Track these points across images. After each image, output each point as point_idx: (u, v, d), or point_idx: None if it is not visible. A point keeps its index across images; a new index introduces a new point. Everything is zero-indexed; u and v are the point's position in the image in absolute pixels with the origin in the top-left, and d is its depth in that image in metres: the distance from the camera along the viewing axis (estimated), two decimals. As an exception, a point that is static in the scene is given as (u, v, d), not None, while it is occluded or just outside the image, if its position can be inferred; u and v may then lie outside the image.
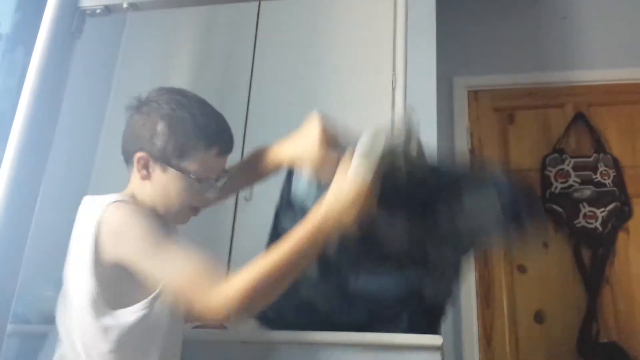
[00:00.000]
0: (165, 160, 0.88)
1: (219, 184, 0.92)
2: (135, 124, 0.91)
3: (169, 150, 0.88)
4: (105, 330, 0.81)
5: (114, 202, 0.84)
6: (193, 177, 0.87)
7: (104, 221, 0.81)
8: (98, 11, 1.25)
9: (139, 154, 0.89)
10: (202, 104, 0.92)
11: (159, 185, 0.89)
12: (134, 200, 0.90)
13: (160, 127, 0.88)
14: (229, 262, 1.45)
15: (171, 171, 0.88)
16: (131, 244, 0.80)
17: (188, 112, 0.89)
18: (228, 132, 0.94)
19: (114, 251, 0.81)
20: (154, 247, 0.79)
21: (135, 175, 0.91)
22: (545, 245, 1.96)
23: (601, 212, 1.92)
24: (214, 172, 0.90)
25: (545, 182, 2.01)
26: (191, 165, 0.88)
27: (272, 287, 0.75)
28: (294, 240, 0.76)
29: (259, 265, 0.75)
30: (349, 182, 0.76)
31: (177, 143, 0.88)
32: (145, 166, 0.89)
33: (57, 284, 1.37)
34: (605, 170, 1.97)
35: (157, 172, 0.89)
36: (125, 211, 0.83)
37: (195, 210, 0.93)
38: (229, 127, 0.94)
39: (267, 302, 0.78)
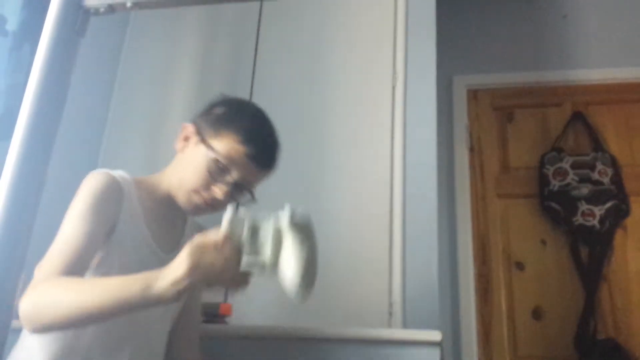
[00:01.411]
0: (202, 134, 0.89)
1: (238, 196, 0.90)
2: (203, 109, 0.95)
3: (212, 125, 0.89)
4: None
5: (101, 169, 0.88)
6: (212, 154, 0.86)
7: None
8: (102, 10, 1.26)
9: (186, 124, 0.92)
10: (265, 119, 0.94)
11: (186, 158, 0.91)
12: (142, 179, 0.91)
13: (220, 108, 0.92)
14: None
15: (201, 147, 0.89)
16: (73, 202, 0.83)
17: (248, 113, 0.93)
18: (269, 142, 0.93)
19: None
20: (74, 211, 0.81)
21: (175, 157, 0.93)
22: (544, 242, 1.97)
23: (599, 210, 1.93)
24: (235, 169, 0.87)
25: (544, 180, 2.02)
26: (217, 144, 0.88)
27: (63, 319, 0.73)
28: (109, 289, 0.73)
29: (63, 293, 0.74)
30: (176, 263, 0.72)
31: (219, 124, 0.89)
32: (186, 137, 0.92)
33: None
34: (603, 168, 1.98)
35: (191, 145, 0.90)
36: (94, 176, 0.86)
37: (205, 203, 0.89)
38: (275, 150, 0.94)
39: (54, 328, 0.77)
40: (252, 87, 1.62)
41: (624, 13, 2.18)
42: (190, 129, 0.92)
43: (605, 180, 1.97)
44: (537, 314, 1.89)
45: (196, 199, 0.89)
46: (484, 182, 2.09)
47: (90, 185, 0.85)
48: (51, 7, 1.31)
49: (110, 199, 0.85)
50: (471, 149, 2.13)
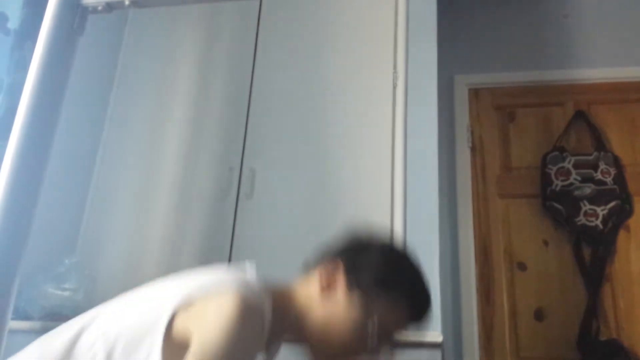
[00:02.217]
0: (361, 287, 0.76)
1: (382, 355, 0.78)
2: (346, 240, 0.83)
3: (372, 282, 0.77)
4: None
5: (241, 288, 0.68)
6: (374, 328, 0.74)
7: (210, 296, 0.68)
8: (100, 8, 1.25)
9: (335, 260, 0.79)
10: (424, 277, 0.81)
11: (329, 305, 0.77)
12: (275, 296, 0.74)
13: (375, 254, 0.80)
14: (230, 258, 1.45)
15: (356, 297, 0.76)
16: (202, 324, 0.66)
17: (406, 264, 0.81)
18: (429, 313, 0.81)
19: (182, 324, 0.69)
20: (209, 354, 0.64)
21: (309, 281, 0.80)
22: (546, 242, 1.96)
23: (602, 210, 1.92)
24: (396, 335, 0.78)
25: (546, 180, 2.01)
26: (380, 307, 0.76)
27: None
28: None
29: None
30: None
31: (386, 277, 0.78)
32: (330, 281, 0.78)
33: (58, 280, 1.37)
34: (605, 168, 1.97)
35: (338, 292, 0.77)
36: (240, 306, 0.66)
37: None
38: (431, 311, 0.82)
39: None
40: (251, 85, 1.62)
41: (625, 12, 2.17)
42: (340, 271, 0.78)
43: (608, 180, 1.96)
44: (539, 314, 1.88)
45: (339, 357, 0.77)
46: (485, 182, 2.08)
47: (241, 316, 0.66)
48: (49, 5, 1.30)
49: (254, 341, 0.68)
50: (472, 149, 2.12)
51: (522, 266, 1.95)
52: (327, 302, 0.77)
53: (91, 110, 1.72)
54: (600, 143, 2.03)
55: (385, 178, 1.43)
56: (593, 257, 1.89)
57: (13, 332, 1.02)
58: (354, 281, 0.77)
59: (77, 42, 1.27)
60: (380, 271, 0.78)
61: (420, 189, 1.40)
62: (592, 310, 1.81)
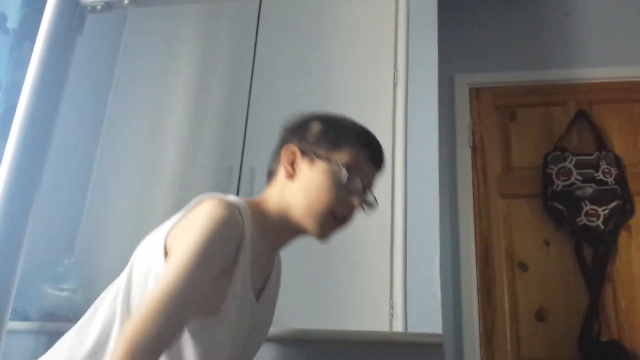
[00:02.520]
0: (314, 152, 0.85)
1: (367, 202, 0.87)
2: (286, 128, 0.90)
3: (321, 142, 0.85)
4: None
5: (215, 197, 0.77)
6: (340, 168, 0.82)
7: (192, 209, 0.78)
8: (99, 7, 1.25)
9: (287, 146, 0.87)
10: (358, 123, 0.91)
11: (302, 183, 0.84)
12: (251, 207, 0.82)
13: (315, 125, 0.88)
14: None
15: (319, 165, 0.84)
16: (183, 239, 0.74)
17: (348, 121, 0.90)
18: (379, 144, 0.91)
19: (172, 237, 0.77)
20: (188, 248, 0.72)
21: (277, 180, 0.87)
22: (547, 243, 1.96)
23: (603, 211, 1.92)
24: (364, 177, 0.85)
25: (547, 180, 2.00)
26: (341, 156, 0.84)
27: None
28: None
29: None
30: None
31: (330, 135, 0.86)
32: (292, 162, 0.86)
33: (57, 280, 1.37)
34: (607, 168, 1.97)
35: (303, 169, 0.85)
36: (216, 208, 0.74)
37: (338, 220, 0.84)
38: (382, 149, 0.92)
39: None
40: (251, 84, 1.61)
41: (627, 11, 2.17)
42: (296, 152, 0.86)
43: (610, 180, 1.95)
44: (540, 315, 1.88)
45: (330, 219, 0.83)
46: (486, 182, 2.07)
47: (214, 219, 0.73)
48: (48, 4, 1.29)
49: (231, 240, 0.75)
50: (473, 148, 2.11)
51: (523, 266, 1.95)
52: (298, 183, 0.85)
53: (90, 110, 1.71)
54: (601, 143, 2.02)
55: (386, 177, 1.42)
56: (594, 257, 1.89)
57: (12, 332, 1.01)
58: (310, 153, 0.85)
59: (76, 41, 1.27)
60: (328, 133, 0.87)
61: (420, 189, 1.39)
62: (593, 311, 1.81)
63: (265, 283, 0.90)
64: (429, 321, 1.25)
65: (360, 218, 1.42)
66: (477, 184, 2.06)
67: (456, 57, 2.09)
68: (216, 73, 1.68)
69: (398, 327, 1.26)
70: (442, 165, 1.47)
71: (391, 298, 1.30)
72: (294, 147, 0.86)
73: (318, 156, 0.85)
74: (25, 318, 1.30)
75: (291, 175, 0.86)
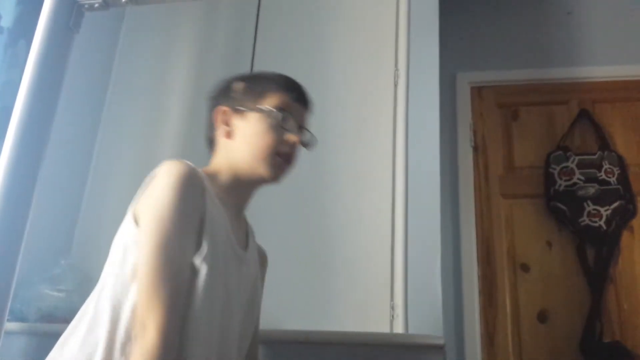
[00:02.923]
0: (244, 106, 0.90)
1: (305, 139, 0.93)
2: (211, 96, 0.96)
3: (247, 96, 0.91)
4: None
5: (174, 160, 0.81)
6: (271, 110, 0.88)
7: (155, 174, 0.80)
8: (96, 5, 1.24)
9: (217, 109, 0.92)
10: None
11: (241, 137, 0.89)
12: (207, 172, 0.86)
13: (238, 83, 0.93)
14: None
15: (251, 116, 0.89)
16: (148, 200, 0.77)
17: (267, 72, 0.97)
18: (301, 85, 0.96)
19: (139, 208, 0.79)
20: (163, 209, 0.75)
21: (218, 145, 0.92)
22: (549, 243, 1.94)
23: (605, 211, 1.91)
24: (295, 115, 0.91)
25: (550, 180, 1.99)
26: (270, 102, 0.90)
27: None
28: None
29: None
30: None
31: (254, 88, 0.92)
32: (227, 121, 0.91)
33: (54, 281, 1.36)
34: (609, 168, 1.95)
35: (238, 124, 0.90)
36: (175, 165, 0.78)
37: (284, 158, 0.89)
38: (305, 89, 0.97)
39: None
40: (250, 84, 1.60)
41: (630, 9, 2.15)
42: (227, 111, 0.92)
43: (612, 180, 1.94)
44: (542, 316, 1.87)
45: (276, 158, 0.88)
46: (488, 182, 2.06)
47: (174, 173, 0.77)
48: (45, 3, 1.28)
49: (197, 188, 0.79)
50: (475, 148, 2.10)
51: (525, 267, 1.93)
52: (238, 138, 0.90)
53: (87, 109, 1.70)
54: (604, 142, 2.01)
55: (387, 177, 1.42)
56: (597, 258, 1.88)
57: (9, 333, 1.00)
58: (241, 108, 0.91)
59: (73, 39, 1.26)
60: (251, 86, 0.92)
61: (422, 188, 1.38)
62: (596, 312, 1.80)
63: (246, 243, 0.94)
64: (430, 323, 1.24)
65: (362, 219, 1.42)
66: (478, 184, 2.05)
67: (458, 55, 2.08)
68: (214, 72, 1.67)
69: (399, 328, 1.25)
70: (443, 165, 1.45)
71: (392, 299, 1.29)
72: (224, 108, 0.91)
73: (249, 109, 0.90)
74: (23, 319, 1.29)
75: (229, 134, 0.90)
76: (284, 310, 1.32)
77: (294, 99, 0.92)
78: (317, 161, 1.50)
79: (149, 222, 0.75)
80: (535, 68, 2.14)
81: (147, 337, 0.68)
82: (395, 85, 1.50)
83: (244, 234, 0.94)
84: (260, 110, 0.89)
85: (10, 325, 1.13)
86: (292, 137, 0.89)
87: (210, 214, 0.80)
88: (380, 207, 1.39)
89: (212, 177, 0.88)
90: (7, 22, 1.35)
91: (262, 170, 0.88)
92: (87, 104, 1.70)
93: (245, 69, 1.62)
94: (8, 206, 1.19)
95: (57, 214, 1.54)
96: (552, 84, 2.13)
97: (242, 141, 0.89)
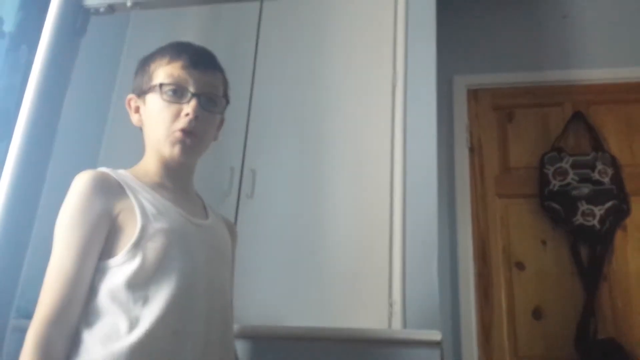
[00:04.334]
0: (141, 90, 0.90)
1: (208, 107, 0.89)
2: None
3: (140, 78, 0.91)
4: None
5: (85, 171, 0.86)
6: (156, 85, 0.86)
7: None
8: (102, 10, 1.26)
9: (127, 98, 0.93)
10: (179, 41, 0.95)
11: (146, 119, 0.90)
12: (136, 170, 0.90)
13: (136, 68, 0.94)
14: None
15: (147, 97, 0.89)
16: (60, 213, 0.82)
17: (163, 46, 0.94)
18: (194, 48, 0.92)
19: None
20: (62, 227, 0.80)
21: (143, 137, 0.93)
22: (544, 242, 1.97)
23: (599, 210, 1.93)
24: (186, 83, 0.87)
25: (544, 180, 2.02)
26: (158, 79, 0.88)
27: None
28: None
29: None
30: None
31: (144, 67, 0.91)
32: (137, 109, 0.92)
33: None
34: (603, 168, 1.98)
35: (142, 109, 0.91)
36: (77, 181, 0.84)
37: (185, 133, 0.86)
38: (205, 51, 0.94)
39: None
40: (252, 87, 1.62)
41: (624, 12, 2.18)
42: (132, 98, 0.93)
43: (606, 180, 1.97)
44: (537, 314, 1.89)
45: (176, 135, 0.86)
46: (484, 182, 2.08)
47: (75, 186, 0.83)
48: (51, 7, 1.30)
49: (101, 190, 0.82)
50: (471, 149, 2.12)
51: (520, 266, 1.96)
52: (145, 123, 0.91)
53: (93, 112, 1.72)
54: (598, 143, 2.03)
55: (384, 178, 1.44)
56: (591, 256, 1.90)
57: (15, 330, 1.02)
58: (139, 93, 0.91)
59: (79, 43, 1.28)
60: (142, 66, 0.93)
61: (419, 189, 1.40)
62: (590, 310, 1.82)
63: (205, 213, 0.94)
64: (427, 319, 1.26)
65: (360, 218, 1.44)
66: (474, 184, 2.08)
67: (454, 58, 2.10)
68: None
69: (397, 324, 1.27)
70: (440, 166, 1.47)
71: (390, 296, 1.31)
72: (130, 96, 0.93)
73: (144, 92, 0.89)
74: (29, 316, 1.30)
75: (139, 121, 0.92)
76: (282, 306, 1.34)
77: (184, 66, 0.87)
78: (317, 163, 1.53)
79: (55, 235, 0.81)
80: (531, 71, 2.16)
81: (27, 334, 0.75)
82: (393, 88, 1.52)
83: (201, 206, 0.95)
84: (150, 89, 0.88)
85: (16, 322, 1.15)
86: (185, 108, 0.86)
87: (140, 205, 0.82)
88: (379, 207, 1.41)
89: (144, 168, 0.90)
90: (9, 26, 1.37)
91: (166, 150, 0.87)
92: (93, 106, 1.72)
93: (247, 73, 1.64)
94: (15, 206, 1.21)
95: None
96: (546, 87, 2.15)
97: (146, 125, 0.90)
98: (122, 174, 0.88)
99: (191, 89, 0.87)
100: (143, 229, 0.80)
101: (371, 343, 1.18)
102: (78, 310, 0.77)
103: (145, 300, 0.76)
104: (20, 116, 1.24)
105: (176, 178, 0.92)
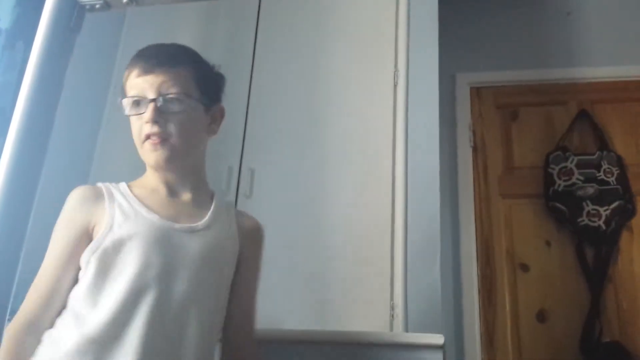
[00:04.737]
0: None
1: (154, 106, 0.87)
2: None
3: (121, 92, 0.93)
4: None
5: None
6: (121, 102, 0.89)
7: None
8: (98, 6, 1.24)
9: None
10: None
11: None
12: (136, 181, 0.93)
13: None
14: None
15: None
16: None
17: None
18: (152, 51, 0.93)
19: None
20: (52, 239, 0.87)
21: None
22: (548, 243, 1.95)
23: (605, 211, 1.91)
24: (145, 91, 0.87)
25: (548, 180, 1.99)
26: (125, 92, 0.90)
27: None
28: None
29: None
30: None
31: (122, 81, 0.92)
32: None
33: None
34: (608, 168, 1.96)
35: None
36: (69, 195, 0.89)
37: (154, 140, 0.86)
38: (160, 48, 0.94)
39: None
40: (250, 84, 1.60)
41: (628, 9, 2.16)
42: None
43: (611, 180, 1.94)
44: (541, 316, 1.87)
45: (145, 145, 0.88)
46: (487, 182, 2.06)
47: (67, 201, 0.88)
48: (47, 3, 1.28)
49: (84, 204, 0.87)
50: (474, 148, 2.10)
51: (524, 267, 1.94)
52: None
53: (88, 109, 1.71)
54: (603, 142, 2.01)
55: (386, 178, 1.42)
56: (596, 257, 1.88)
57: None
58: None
59: (75, 40, 1.26)
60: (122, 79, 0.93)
61: (421, 189, 1.38)
62: (595, 312, 1.80)
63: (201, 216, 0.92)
64: (429, 322, 1.24)
65: (361, 220, 1.42)
66: (478, 184, 2.06)
67: (457, 56, 2.08)
68: (215, 72, 1.67)
69: (399, 328, 1.25)
70: (442, 165, 1.46)
71: (391, 299, 1.29)
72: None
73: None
74: (24, 319, 1.29)
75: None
76: (281, 309, 1.32)
77: (140, 74, 0.88)
78: (317, 162, 1.51)
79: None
80: (535, 68, 2.14)
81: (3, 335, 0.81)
82: (395, 86, 1.50)
83: (204, 209, 0.92)
84: (120, 105, 0.91)
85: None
86: (144, 117, 0.86)
87: (111, 213, 0.85)
88: (380, 207, 1.39)
89: (145, 177, 0.93)
90: (5, 23, 1.35)
91: (147, 161, 0.90)
92: (88, 103, 1.70)
93: (245, 70, 1.62)
94: (10, 204, 1.19)
95: (57, 213, 1.55)
96: (551, 85, 2.13)
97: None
98: (114, 186, 0.91)
99: (149, 95, 0.87)
100: (102, 237, 0.83)
101: (372, 347, 1.17)
102: (53, 316, 0.81)
103: (93, 306, 0.79)
104: (15, 115, 1.22)
105: (175, 182, 0.92)
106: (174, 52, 0.94)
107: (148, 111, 0.85)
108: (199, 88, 0.92)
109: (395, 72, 1.52)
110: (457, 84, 2.17)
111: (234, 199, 1.49)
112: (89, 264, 0.82)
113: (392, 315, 1.27)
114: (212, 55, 1.72)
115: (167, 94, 0.87)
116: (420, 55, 1.52)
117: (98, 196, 0.87)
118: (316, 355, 1.17)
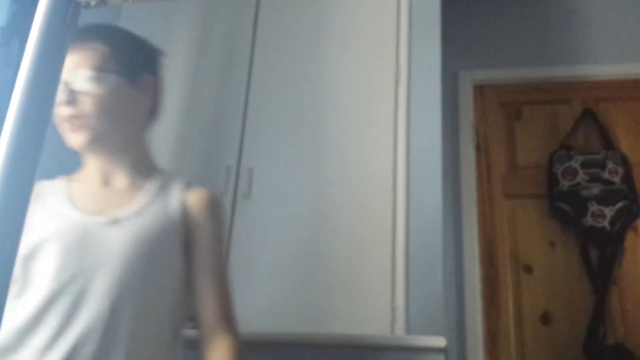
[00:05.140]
0: None
1: (64, 87, 0.84)
2: None
3: None
4: None
5: None
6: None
7: None
8: (93, 3, 1.23)
9: None
10: None
11: None
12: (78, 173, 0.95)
13: None
14: (227, 259, 1.42)
15: None
16: None
17: None
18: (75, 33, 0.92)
19: None
20: None
21: None
22: (552, 244, 1.93)
23: (609, 211, 1.89)
24: (65, 76, 0.84)
25: (553, 180, 1.97)
26: None
27: None
28: None
29: None
30: None
31: None
32: None
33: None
34: (613, 167, 1.94)
35: None
36: None
37: (69, 121, 0.85)
38: (80, 28, 0.91)
39: None
40: (249, 81, 1.58)
41: (633, 7, 2.13)
42: None
43: (616, 179, 1.92)
44: (545, 318, 1.85)
45: (65, 124, 0.85)
46: (490, 182, 2.04)
47: None
48: (42, 0, 1.27)
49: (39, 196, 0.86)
50: (477, 147, 2.08)
51: (528, 268, 1.92)
52: None
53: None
54: (608, 141, 1.99)
55: (387, 177, 1.40)
56: (600, 259, 1.86)
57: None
58: None
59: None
60: None
61: (423, 189, 1.37)
62: (599, 314, 1.78)
63: (138, 207, 0.87)
64: (431, 324, 1.23)
65: (362, 220, 1.40)
66: (481, 184, 2.04)
67: (460, 53, 2.06)
68: (213, 70, 1.65)
69: (400, 330, 1.23)
70: (445, 165, 1.44)
71: (393, 301, 1.27)
72: None
73: None
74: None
75: None
76: (280, 311, 1.31)
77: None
78: (316, 161, 1.49)
79: None
80: (539, 66, 2.12)
81: None
82: (397, 84, 1.48)
83: (132, 195, 0.88)
84: None
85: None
86: (57, 100, 0.83)
87: (44, 214, 0.83)
88: (382, 207, 1.37)
89: (83, 168, 0.93)
90: (0, 21, 1.34)
91: (70, 143, 0.88)
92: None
93: (243, 68, 1.60)
94: (5, 205, 1.18)
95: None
96: (555, 83, 2.11)
97: None
98: (50, 183, 0.89)
99: (64, 77, 0.84)
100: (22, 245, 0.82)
101: (373, 349, 1.15)
102: None
103: (12, 311, 0.77)
104: (9, 114, 1.21)
105: (108, 166, 0.90)
106: (88, 28, 0.88)
107: (59, 93, 0.82)
108: (119, 61, 0.87)
109: (396, 69, 1.50)
110: (459, 82, 2.15)
111: (232, 199, 1.47)
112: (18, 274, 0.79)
113: (394, 317, 1.26)
114: (210, 53, 1.72)
115: (81, 74, 0.84)
116: (422, 52, 1.50)
117: (36, 196, 0.84)
118: (317, 358, 1.16)
